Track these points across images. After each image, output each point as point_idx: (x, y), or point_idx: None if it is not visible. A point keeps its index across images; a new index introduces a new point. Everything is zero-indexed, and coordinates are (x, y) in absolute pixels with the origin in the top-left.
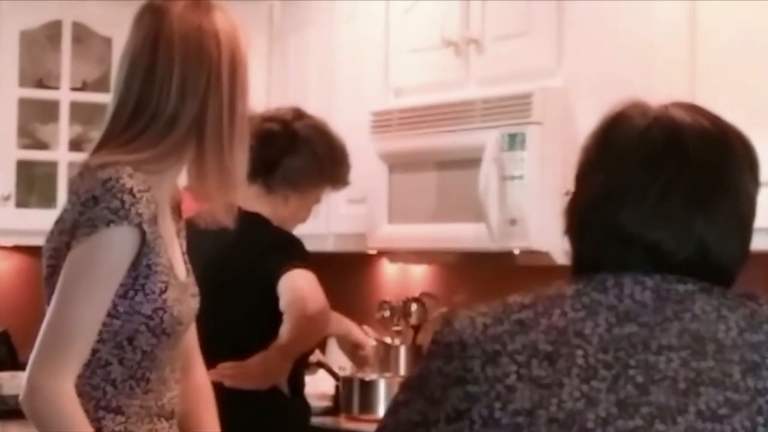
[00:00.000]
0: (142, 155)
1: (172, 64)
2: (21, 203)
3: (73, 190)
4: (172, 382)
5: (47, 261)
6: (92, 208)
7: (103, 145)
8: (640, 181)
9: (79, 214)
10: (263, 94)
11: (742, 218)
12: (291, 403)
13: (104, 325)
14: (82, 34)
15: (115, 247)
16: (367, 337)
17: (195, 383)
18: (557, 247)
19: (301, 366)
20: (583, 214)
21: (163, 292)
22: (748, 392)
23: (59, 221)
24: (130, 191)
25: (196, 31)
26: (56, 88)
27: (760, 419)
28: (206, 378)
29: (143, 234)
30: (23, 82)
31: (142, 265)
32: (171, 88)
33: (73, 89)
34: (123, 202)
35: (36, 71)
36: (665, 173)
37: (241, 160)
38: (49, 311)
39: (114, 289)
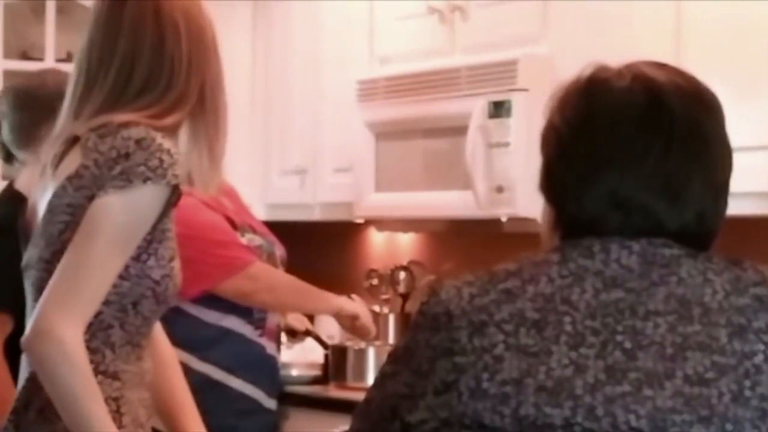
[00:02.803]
0: (157, 123)
1: (179, 38)
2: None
3: (90, 147)
4: (146, 353)
5: (59, 217)
6: (126, 163)
7: (110, 107)
8: (636, 145)
9: (108, 170)
10: (248, 64)
11: (728, 179)
12: None
13: (113, 286)
14: (65, 5)
15: (148, 204)
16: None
17: (162, 350)
18: None
19: None
20: (576, 180)
21: (172, 259)
22: (734, 355)
23: (74, 177)
24: (168, 152)
25: (192, 6)
26: (40, 59)
27: (747, 382)
28: (170, 346)
29: (178, 196)
30: (7, 54)
31: (158, 230)
32: (182, 63)
33: (58, 61)
34: (162, 161)
35: (20, 43)
36: (660, 135)
37: (224, 133)
38: (68, 255)
39: (135, 245)
